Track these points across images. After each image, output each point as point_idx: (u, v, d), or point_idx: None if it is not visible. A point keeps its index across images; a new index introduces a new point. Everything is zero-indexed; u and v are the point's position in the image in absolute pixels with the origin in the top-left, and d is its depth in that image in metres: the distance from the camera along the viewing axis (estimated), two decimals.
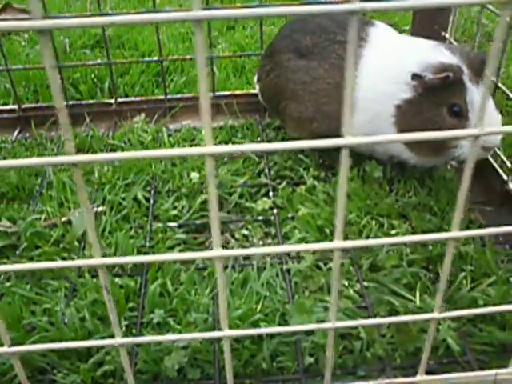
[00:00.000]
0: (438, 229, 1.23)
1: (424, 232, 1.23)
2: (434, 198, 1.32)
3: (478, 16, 1.29)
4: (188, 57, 1.76)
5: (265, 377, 0.98)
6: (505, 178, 1.32)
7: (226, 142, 1.58)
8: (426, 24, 1.60)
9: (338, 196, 0.61)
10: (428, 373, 0.90)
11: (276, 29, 2.13)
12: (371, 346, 1.00)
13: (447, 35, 1.57)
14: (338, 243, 0.67)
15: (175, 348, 0.98)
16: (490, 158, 1.39)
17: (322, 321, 1.00)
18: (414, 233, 1.24)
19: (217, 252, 0.66)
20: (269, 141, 1.58)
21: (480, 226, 1.27)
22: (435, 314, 0.75)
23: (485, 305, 1.04)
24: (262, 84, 1.54)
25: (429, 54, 1.24)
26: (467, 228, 1.26)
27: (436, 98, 1.20)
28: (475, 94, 1.17)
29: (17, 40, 2.18)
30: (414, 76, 1.21)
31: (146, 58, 1.95)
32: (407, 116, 1.25)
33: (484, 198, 1.37)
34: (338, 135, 1.42)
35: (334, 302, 0.71)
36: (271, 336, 1.01)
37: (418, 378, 0.88)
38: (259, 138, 1.59)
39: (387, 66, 1.30)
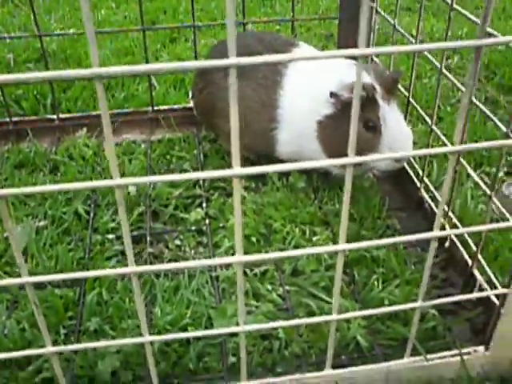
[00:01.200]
0: (356, 234, 1.35)
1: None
2: (354, 206, 1.43)
3: None
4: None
5: (192, 376, 1.07)
6: (418, 185, 1.44)
7: (164, 155, 1.67)
8: (351, 40, 1.71)
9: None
10: (339, 367, 1.02)
11: (216, 41, 2.22)
12: (289, 345, 1.11)
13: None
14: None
15: (108, 353, 1.06)
16: (407, 167, 1.51)
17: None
18: (334, 239, 1.35)
19: (132, 268, 0.75)
20: (205, 154, 1.67)
21: (395, 231, 1.39)
22: (334, 316, 0.86)
23: (390, 304, 1.15)
24: (196, 100, 1.63)
25: (345, 73, 1.34)
26: (383, 233, 1.37)
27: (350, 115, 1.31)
28: (387, 110, 1.29)
29: None
30: (332, 94, 1.31)
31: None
32: (328, 130, 1.36)
33: (401, 204, 1.49)
34: (268, 150, 1.53)
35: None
36: (198, 339, 1.11)
37: (325, 372, 0.99)
38: (195, 151, 1.68)
39: (309, 85, 1.40)
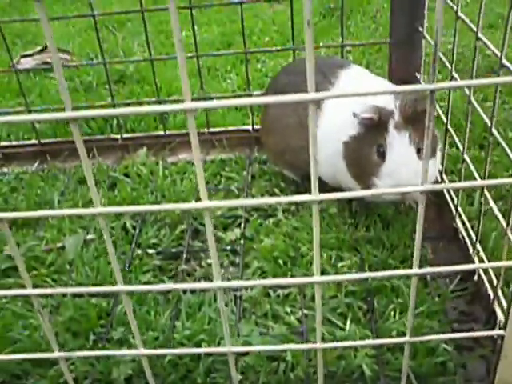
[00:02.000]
0: (383, 262, 1.35)
1: (370, 265, 1.35)
2: (386, 233, 1.42)
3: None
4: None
5: None
6: (454, 213, 1.41)
7: (215, 175, 1.75)
8: (402, 64, 1.71)
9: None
10: None
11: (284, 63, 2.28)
12: (295, 368, 1.13)
13: (418, 75, 1.68)
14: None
15: (123, 361, 1.15)
16: (446, 193, 1.48)
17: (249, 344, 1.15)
18: (362, 265, 1.36)
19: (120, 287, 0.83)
20: (253, 175, 1.73)
21: (425, 261, 1.37)
22: (318, 345, 0.88)
23: (399, 335, 1.15)
24: (260, 120, 1.72)
25: (374, 97, 1.36)
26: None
27: (370, 137, 1.32)
28: (395, 138, 1.29)
29: (48, 77, 2.43)
30: (354, 115, 1.33)
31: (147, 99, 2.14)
32: (350, 151, 1.38)
33: (438, 233, 1.46)
34: (307, 166, 1.57)
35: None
36: (209, 355, 1.16)
37: None
38: (245, 172, 1.74)
39: (340, 107, 1.42)
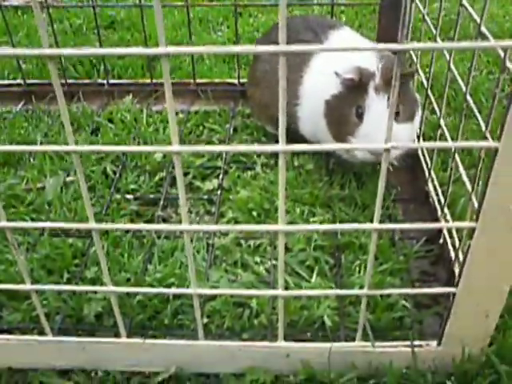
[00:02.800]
0: (354, 220, 1.38)
1: (341, 222, 1.39)
2: (359, 193, 1.46)
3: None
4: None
5: (166, 330, 1.17)
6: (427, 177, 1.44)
7: (198, 126, 1.77)
8: (391, 27, 1.71)
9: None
10: (301, 341, 1.08)
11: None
12: (259, 315, 1.18)
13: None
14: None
15: (94, 299, 1.19)
16: (421, 157, 1.51)
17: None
18: (333, 222, 1.39)
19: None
20: (235, 128, 1.75)
21: (396, 221, 1.41)
22: (280, 291, 0.92)
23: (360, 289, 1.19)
24: (247, 75, 1.74)
25: (358, 58, 1.37)
26: (382, 222, 1.39)
27: (351, 98, 1.33)
28: (374, 100, 1.31)
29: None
30: (336, 74, 1.35)
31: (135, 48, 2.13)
32: (331, 110, 1.40)
33: (411, 195, 1.50)
34: (293, 126, 1.58)
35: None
36: (177, 297, 1.21)
37: (278, 343, 1.05)
38: (227, 125, 1.76)
39: (326, 65, 1.43)
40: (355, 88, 1.33)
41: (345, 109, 1.36)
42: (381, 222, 1.39)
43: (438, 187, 1.38)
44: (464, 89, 1.14)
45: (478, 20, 1.05)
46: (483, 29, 1.03)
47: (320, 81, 1.45)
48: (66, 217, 1.42)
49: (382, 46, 0.70)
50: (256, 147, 0.77)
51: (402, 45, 0.70)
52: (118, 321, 1.03)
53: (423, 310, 1.20)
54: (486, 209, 0.84)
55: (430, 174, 1.42)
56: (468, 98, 1.13)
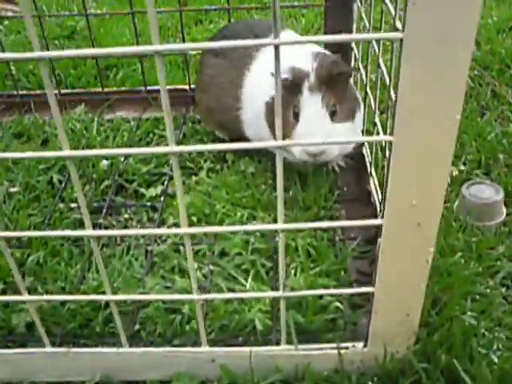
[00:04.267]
0: (293, 221, 1.37)
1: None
2: (302, 194, 1.45)
3: None
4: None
5: (98, 338, 1.16)
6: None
7: (148, 133, 1.76)
8: (336, 27, 1.71)
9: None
10: (232, 346, 1.07)
11: None
12: (191, 321, 1.17)
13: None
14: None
15: (24, 309, 1.18)
16: (366, 158, 1.50)
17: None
18: (274, 222, 1.38)
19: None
20: (185, 134, 1.75)
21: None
22: (194, 296, 0.91)
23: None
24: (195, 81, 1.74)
25: (295, 59, 1.36)
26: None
27: (287, 98, 1.32)
28: (307, 100, 1.30)
29: None
30: (272, 74, 1.35)
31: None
32: (270, 111, 1.40)
33: (355, 195, 1.49)
34: (237, 130, 1.57)
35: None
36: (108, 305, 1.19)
37: (202, 348, 1.04)
38: (177, 131, 1.75)
39: (265, 68, 1.43)
40: (291, 88, 1.32)
41: (283, 110, 1.36)
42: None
43: (377, 186, 1.37)
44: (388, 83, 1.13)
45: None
46: (398, 23, 1.03)
47: (260, 83, 1.45)
48: (7, 227, 1.41)
49: (260, 41, 0.69)
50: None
51: (279, 40, 0.69)
52: (39, 330, 1.02)
53: (358, 309, 1.18)
54: (390, 205, 0.84)
55: (370, 173, 1.42)
56: (392, 93, 1.12)
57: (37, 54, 0.70)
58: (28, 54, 0.70)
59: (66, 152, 0.78)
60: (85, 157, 1.60)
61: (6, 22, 2.42)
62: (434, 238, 0.87)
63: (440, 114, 0.74)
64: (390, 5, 1.09)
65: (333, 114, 1.33)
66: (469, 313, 1.11)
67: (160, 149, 0.78)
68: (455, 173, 1.49)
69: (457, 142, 1.60)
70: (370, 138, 0.78)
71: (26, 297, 0.95)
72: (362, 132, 1.51)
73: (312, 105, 1.31)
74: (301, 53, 1.40)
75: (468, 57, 0.70)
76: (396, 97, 0.73)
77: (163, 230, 0.98)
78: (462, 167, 1.55)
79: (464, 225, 1.35)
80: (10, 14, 2.52)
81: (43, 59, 0.70)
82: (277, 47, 0.69)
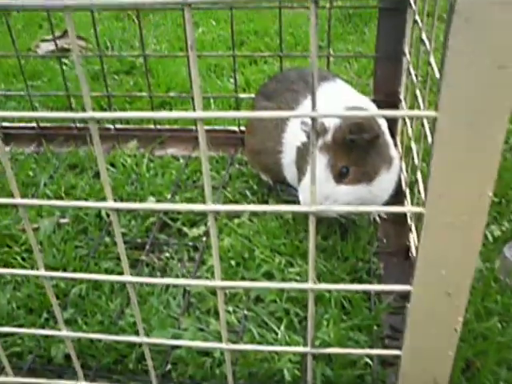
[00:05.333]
0: (331, 273, 1.38)
1: (319, 275, 1.39)
2: (341, 244, 1.46)
3: None
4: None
5: (131, 375, 1.20)
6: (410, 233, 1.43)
7: (196, 172, 1.82)
8: (386, 79, 1.73)
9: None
10: None
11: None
12: (221, 365, 1.19)
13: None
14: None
15: (62, 340, 1.23)
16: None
17: (179, 337, 1.21)
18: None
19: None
20: (231, 175, 1.79)
21: (374, 276, 1.40)
22: (223, 345, 0.94)
23: (321, 345, 1.19)
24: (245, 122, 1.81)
25: (339, 106, 1.39)
26: (360, 277, 1.39)
27: (307, 149, 1.36)
28: (313, 157, 1.31)
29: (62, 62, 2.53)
30: (301, 122, 1.38)
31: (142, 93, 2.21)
32: (298, 157, 1.45)
33: (395, 248, 1.49)
34: (279, 174, 1.60)
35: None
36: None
37: None
38: (224, 172, 1.80)
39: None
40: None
41: (302, 158, 1.40)
42: (360, 276, 1.41)
43: (416, 241, 1.37)
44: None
45: None
46: None
47: (297, 128, 1.47)
48: (54, 258, 1.48)
49: (296, 113, 0.72)
50: (185, 206, 0.80)
51: (316, 112, 0.72)
52: (75, 364, 1.06)
53: (388, 367, 1.18)
54: (418, 273, 0.84)
55: (410, 228, 1.42)
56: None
57: (89, 114, 0.74)
58: (79, 114, 0.75)
59: (110, 203, 0.82)
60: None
61: (73, 57, 2.53)
62: (464, 308, 0.87)
63: (471, 191, 0.75)
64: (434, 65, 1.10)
65: (341, 176, 1.33)
66: (501, 383, 1.09)
67: (197, 206, 0.82)
68: (497, 232, 1.47)
69: (501, 199, 1.59)
70: (399, 209, 0.80)
71: (63, 332, 1.00)
72: (398, 192, 1.50)
73: (318, 163, 1.32)
74: (336, 105, 1.42)
75: (501, 138, 0.71)
76: (429, 171, 0.75)
77: (196, 281, 1.01)
78: (506, 225, 1.53)
79: (504, 287, 1.33)
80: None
81: (94, 119, 0.75)
82: (314, 119, 0.72)
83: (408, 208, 0.80)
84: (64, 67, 2.42)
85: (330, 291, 1.31)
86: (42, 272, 0.92)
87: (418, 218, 0.98)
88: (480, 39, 0.64)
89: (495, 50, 0.65)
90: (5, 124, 2.03)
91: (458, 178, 0.74)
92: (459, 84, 0.67)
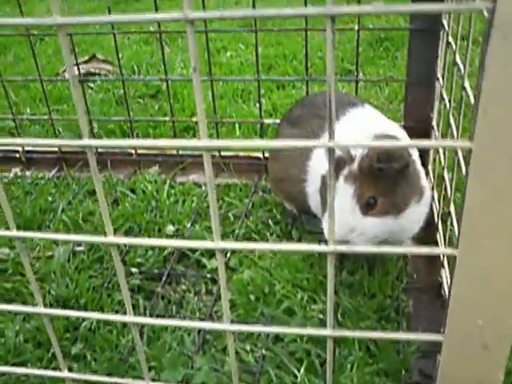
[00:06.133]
0: (356, 311, 1.29)
1: (344, 312, 1.30)
2: (368, 279, 1.37)
3: None
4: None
5: None
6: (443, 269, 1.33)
7: (218, 200, 1.75)
8: (417, 104, 1.65)
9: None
10: None
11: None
12: None
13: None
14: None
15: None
16: (440, 244, 1.40)
17: (190, 378, 1.13)
18: (335, 310, 1.31)
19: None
20: (254, 203, 1.72)
21: (402, 315, 1.30)
22: None
23: None
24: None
25: (354, 137, 1.31)
26: (388, 315, 1.29)
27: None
28: (340, 187, 1.24)
29: (88, 87, 2.52)
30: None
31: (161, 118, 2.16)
32: (322, 186, 1.36)
33: (425, 285, 1.39)
34: (303, 203, 1.52)
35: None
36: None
37: None
38: (247, 200, 1.73)
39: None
40: (336, 169, 1.26)
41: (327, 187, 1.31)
42: (387, 314, 1.31)
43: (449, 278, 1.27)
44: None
45: None
46: None
47: (322, 156, 1.40)
48: (67, 287, 1.42)
49: (313, 142, 0.65)
50: (192, 243, 0.73)
51: (334, 141, 0.65)
52: None
53: None
54: (451, 322, 0.75)
55: (442, 263, 1.32)
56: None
57: (86, 141, 0.69)
58: (77, 142, 0.69)
59: (110, 238, 0.76)
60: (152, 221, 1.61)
61: (98, 82, 2.53)
62: (505, 363, 0.77)
63: (508, 231, 0.66)
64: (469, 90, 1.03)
65: (369, 207, 1.24)
66: None
67: (205, 243, 0.74)
68: None
69: None
70: (428, 250, 0.71)
71: (64, 373, 0.93)
72: (430, 223, 1.40)
73: (342, 194, 1.24)
74: (364, 132, 1.34)
75: None
76: (462, 209, 0.66)
77: (207, 324, 0.93)
78: None
79: None
80: (103, 72, 2.65)
81: (91, 147, 0.69)
82: (332, 150, 0.64)
83: (440, 250, 0.72)
84: (90, 91, 2.42)
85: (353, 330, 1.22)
86: (40, 309, 0.86)
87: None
88: None
89: None
90: (27, 148, 2.00)
91: (496, 218, 0.65)
92: (498, 111, 0.59)
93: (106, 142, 0.69)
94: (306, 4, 1.62)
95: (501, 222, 0.66)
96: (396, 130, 1.46)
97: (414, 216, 1.30)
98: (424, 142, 0.64)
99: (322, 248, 0.71)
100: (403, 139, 1.36)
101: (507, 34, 0.53)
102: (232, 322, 1.31)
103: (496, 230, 0.66)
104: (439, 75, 1.53)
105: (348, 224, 1.22)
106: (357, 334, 0.86)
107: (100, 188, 0.73)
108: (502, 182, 0.62)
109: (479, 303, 0.72)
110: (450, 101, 1.32)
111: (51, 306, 1.38)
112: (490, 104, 0.58)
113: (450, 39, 1.32)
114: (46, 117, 2.00)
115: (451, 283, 0.73)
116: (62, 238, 0.78)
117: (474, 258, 0.69)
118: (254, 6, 1.63)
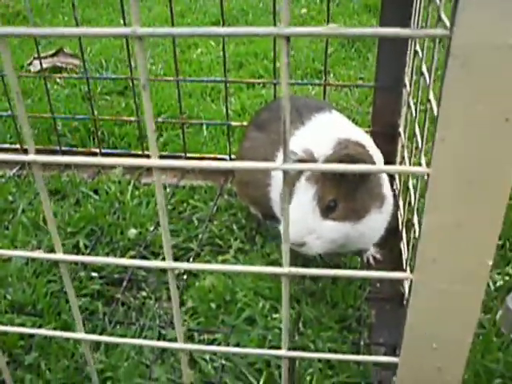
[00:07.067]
0: (317, 320, 1.28)
1: (305, 322, 1.29)
2: (332, 287, 1.36)
3: None
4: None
5: None
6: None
7: (182, 202, 1.72)
8: (385, 109, 1.64)
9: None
10: None
11: None
12: None
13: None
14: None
15: None
16: (403, 253, 1.40)
17: None
18: (297, 320, 1.29)
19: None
20: (219, 207, 1.69)
21: (364, 325, 1.29)
22: None
23: None
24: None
25: (318, 142, 1.30)
26: (349, 325, 1.28)
27: (294, 178, 1.27)
28: (300, 188, 1.23)
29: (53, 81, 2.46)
30: (291, 152, 1.28)
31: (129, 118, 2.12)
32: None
33: (388, 294, 1.38)
34: (267, 207, 1.50)
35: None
36: None
37: None
38: (211, 203, 1.70)
39: (300, 145, 1.35)
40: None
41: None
42: (349, 324, 1.30)
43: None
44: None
45: None
46: None
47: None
48: (24, 292, 1.38)
49: (266, 164, 0.63)
50: (143, 262, 0.71)
51: (287, 164, 0.63)
52: None
53: None
54: (406, 344, 0.74)
55: (406, 271, 1.31)
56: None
57: (31, 157, 0.66)
58: (22, 157, 0.66)
59: (59, 255, 0.73)
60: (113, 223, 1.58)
61: (58, 80, 2.46)
62: None
63: (469, 257, 0.65)
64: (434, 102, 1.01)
65: (329, 210, 1.23)
66: None
67: (157, 263, 0.72)
68: (499, 280, 1.36)
69: (505, 242, 1.49)
70: (382, 274, 0.71)
71: None
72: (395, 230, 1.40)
73: (302, 194, 1.23)
74: (328, 136, 1.33)
75: (505, 198, 0.61)
76: (420, 232, 0.65)
77: (162, 344, 0.91)
78: (510, 271, 1.43)
79: (506, 342, 1.22)
80: (70, 67, 2.59)
81: (36, 163, 0.66)
82: (285, 173, 0.62)
83: (397, 274, 0.71)
84: (56, 86, 2.36)
85: (314, 342, 1.21)
86: None
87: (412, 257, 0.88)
88: (480, 87, 0.54)
89: (498, 100, 0.55)
90: None
91: (454, 243, 0.64)
92: (456, 138, 0.57)
93: (52, 158, 0.65)
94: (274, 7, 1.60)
95: (457, 248, 0.65)
96: (361, 135, 1.44)
97: (374, 223, 1.29)
98: (387, 167, 0.63)
99: (276, 270, 0.70)
100: (368, 145, 1.35)
101: (464, 63, 0.52)
102: (191, 330, 1.30)
103: (452, 256, 0.65)
104: (407, 82, 1.53)
105: (307, 225, 1.21)
106: (310, 355, 0.85)
107: (47, 204, 0.71)
108: (461, 208, 0.61)
109: (434, 327, 0.72)
110: (416, 110, 1.31)
111: (6, 312, 1.34)
112: (447, 132, 0.56)
113: (418, 48, 1.31)
114: (5, 113, 1.94)
115: (407, 307, 0.72)
116: (6, 253, 0.74)
117: (430, 283, 0.68)
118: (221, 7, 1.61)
